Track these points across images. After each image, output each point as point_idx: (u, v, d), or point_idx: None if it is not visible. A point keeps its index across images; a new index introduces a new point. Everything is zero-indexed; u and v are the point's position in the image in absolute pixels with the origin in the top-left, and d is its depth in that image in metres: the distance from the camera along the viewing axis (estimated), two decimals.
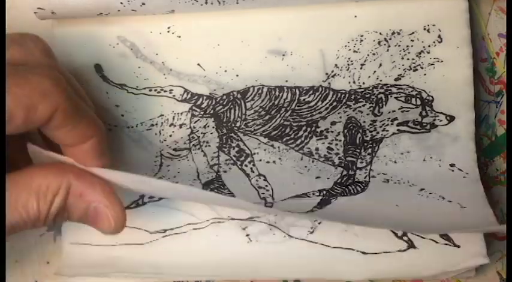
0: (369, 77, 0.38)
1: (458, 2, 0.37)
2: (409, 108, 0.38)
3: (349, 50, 0.38)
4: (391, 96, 0.38)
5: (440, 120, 0.38)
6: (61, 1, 0.35)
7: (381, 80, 0.38)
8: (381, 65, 0.38)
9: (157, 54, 0.38)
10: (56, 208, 0.30)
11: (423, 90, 0.38)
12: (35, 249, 0.39)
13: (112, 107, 0.38)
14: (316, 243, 0.37)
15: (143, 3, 0.35)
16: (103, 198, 0.31)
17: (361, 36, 0.38)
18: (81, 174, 0.31)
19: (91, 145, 0.31)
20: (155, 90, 0.38)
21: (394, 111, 0.38)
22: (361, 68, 0.38)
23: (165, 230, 0.38)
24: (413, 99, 0.38)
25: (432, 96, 0.38)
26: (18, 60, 0.30)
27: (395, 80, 0.38)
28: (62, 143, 0.31)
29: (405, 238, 0.37)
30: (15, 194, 0.29)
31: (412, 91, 0.38)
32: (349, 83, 0.38)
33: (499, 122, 0.39)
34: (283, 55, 0.38)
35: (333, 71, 0.38)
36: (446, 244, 0.37)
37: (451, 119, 0.38)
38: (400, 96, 0.38)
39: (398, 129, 0.38)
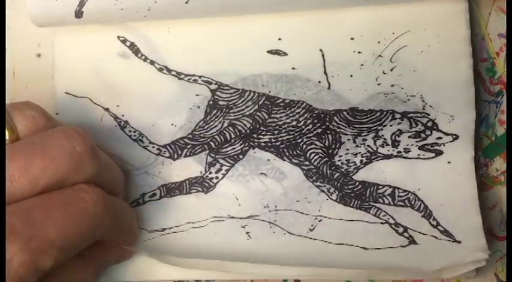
0: (369, 77, 0.38)
1: (458, 2, 0.37)
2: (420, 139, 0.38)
3: (349, 50, 0.38)
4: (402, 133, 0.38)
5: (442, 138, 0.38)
6: (61, 20, 0.36)
7: (379, 84, 0.38)
8: (380, 64, 0.38)
9: (157, 54, 0.38)
10: None
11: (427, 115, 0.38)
12: None
13: (113, 106, 0.38)
14: (316, 240, 0.38)
15: (145, 16, 0.36)
16: (119, 254, 0.36)
17: (361, 36, 0.38)
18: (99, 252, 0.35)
19: (126, 238, 0.36)
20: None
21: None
22: (360, 69, 0.38)
23: (163, 229, 0.38)
24: (426, 132, 0.38)
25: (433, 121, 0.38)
26: (27, 133, 0.30)
27: (392, 86, 0.38)
28: None
29: (406, 234, 0.37)
30: None
31: (425, 122, 0.38)
32: (349, 83, 0.38)
33: (499, 122, 0.39)
34: (283, 55, 0.38)
35: (333, 72, 0.38)
36: (448, 240, 0.37)
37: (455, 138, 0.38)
38: (412, 133, 0.38)
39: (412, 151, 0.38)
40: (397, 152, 0.38)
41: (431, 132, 0.38)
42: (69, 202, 0.28)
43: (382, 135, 0.38)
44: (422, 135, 0.38)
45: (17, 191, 0.28)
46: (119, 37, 0.38)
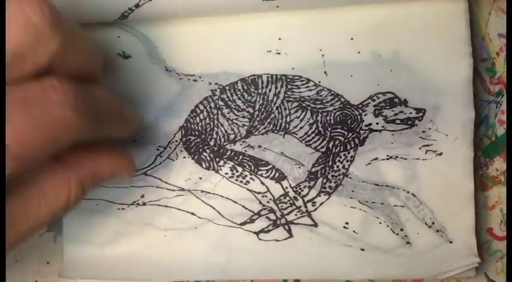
0: (369, 77, 0.38)
1: (458, 2, 0.37)
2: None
3: (349, 50, 0.38)
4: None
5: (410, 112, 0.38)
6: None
7: (379, 84, 0.38)
8: (380, 64, 0.38)
9: (157, 54, 0.38)
10: (74, 202, 0.29)
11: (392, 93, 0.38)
12: (35, 249, 0.39)
13: None
14: (316, 240, 0.38)
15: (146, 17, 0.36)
16: (116, 164, 0.31)
17: (361, 36, 0.38)
18: (84, 161, 0.30)
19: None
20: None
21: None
22: (360, 69, 0.38)
23: (165, 230, 0.38)
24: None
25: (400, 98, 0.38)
26: None
27: (392, 86, 0.38)
28: None
29: (401, 234, 0.37)
30: (24, 208, 0.27)
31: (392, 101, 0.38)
32: (349, 83, 0.38)
33: (499, 122, 0.39)
34: (283, 55, 0.38)
35: (333, 72, 0.38)
36: (441, 240, 0.37)
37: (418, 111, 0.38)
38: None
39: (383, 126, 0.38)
40: (395, 156, 0.38)
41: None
42: (33, 102, 0.24)
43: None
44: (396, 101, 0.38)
45: None
46: (119, 37, 0.38)
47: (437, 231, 0.37)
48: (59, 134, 0.25)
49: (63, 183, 0.28)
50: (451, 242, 0.37)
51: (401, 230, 0.38)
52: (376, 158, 0.38)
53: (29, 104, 0.24)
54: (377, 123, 0.38)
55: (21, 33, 0.24)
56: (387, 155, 0.38)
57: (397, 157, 0.38)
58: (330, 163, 0.38)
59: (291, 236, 0.38)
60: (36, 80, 0.25)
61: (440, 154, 0.38)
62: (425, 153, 0.38)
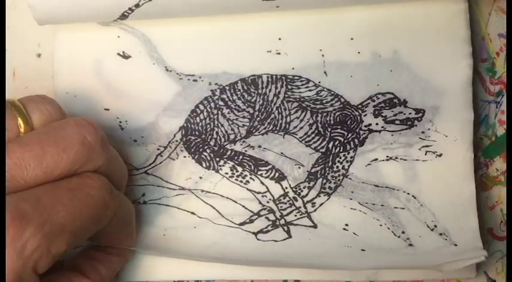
0: (369, 77, 0.38)
1: (458, 2, 0.37)
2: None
3: (349, 50, 0.38)
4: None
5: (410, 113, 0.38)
6: (63, 17, 0.36)
7: (378, 84, 0.38)
8: (380, 64, 0.38)
9: (157, 54, 0.38)
10: None
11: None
12: None
13: (113, 106, 0.38)
14: (316, 240, 0.38)
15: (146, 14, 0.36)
16: (119, 256, 0.36)
17: (361, 36, 0.38)
18: (99, 261, 0.34)
19: (125, 233, 0.35)
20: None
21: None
22: (360, 69, 0.38)
23: (165, 229, 0.38)
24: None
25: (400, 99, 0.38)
26: (41, 126, 0.31)
27: (392, 86, 0.38)
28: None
29: (403, 236, 0.37)
30: None
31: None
32: (349, 83, 0.38)
33: (499, 122, 0.39)
34: (283, 55, 0.38)
35: (333, 72, 0.38)
36: (444, 242, 0.37)
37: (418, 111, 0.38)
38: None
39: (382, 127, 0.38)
40: (395, 157, 0.38)
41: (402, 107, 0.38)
42: (76, 187, 0.29)
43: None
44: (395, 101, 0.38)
45: (31, 180, 0.28)
46: (119, 37, 0.38)
47: (440, 234, 0.37)
48: (99, 211, 0.30)
49: None
50: (455, 245, 0.37)
51: (403, 232, 0.37)
52: (376, 159, 0.38)
53: (73, 189, 0.29)
54: (377, 124, 0.38)
55: (78, 149, 0.29)
56: (387, 156, 0.38)
57: (396, 158, 0.38)
58: (330, 164, 0.38)
59: (289, 236, 0.38)
60: (74, 175, 0.30)
61: (440, 155, 0.38)
62: (425, 154, 0.38)
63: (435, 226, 0.37)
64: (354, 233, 0.37)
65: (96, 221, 0.30)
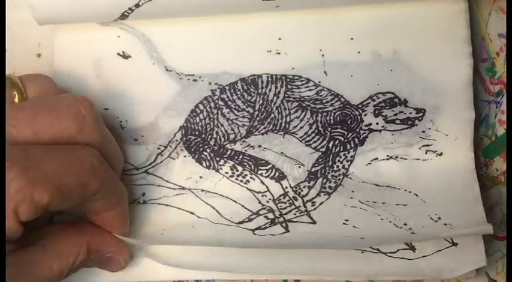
0: (369, 77, 0.38)
1: (458, 2, 0.38)
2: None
3: (349, 50, 0.38)
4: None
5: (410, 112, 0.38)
6: (63, 17, 0.36)
7: (379, 84, 0.38)
8: (380, 64, 0.38)
9: (157, 54, 0.38)
10: (76, 265, 0.33)
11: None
12: None
13: (113, 106, 0.38)
14: (316, 240, 0.38)
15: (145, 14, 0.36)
16: (116, 249, 0.35)
17: (361, 36, 0.38)
18: (95, 232, 0.34)
19: (116, 214, 0.34)
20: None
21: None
22: (360, 69, 0.38)
23: (163, 229, 0.38)
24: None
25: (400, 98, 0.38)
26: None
27: (392, 86, 0.38)
28: (90, 210, 0.33)
29: (406, 227, 0.37)
30: (41, 259, 0.31)
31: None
32: (349, 83, 0.38)
33: (499, 122, 0.39)
34: (283, 55, 0.38)
35: (333, 72, 0.38)
36: (446, 243, 0.37)
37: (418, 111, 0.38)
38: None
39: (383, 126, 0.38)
40: (395, 156, 0.38)
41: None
42: (66, 149, 0.30)
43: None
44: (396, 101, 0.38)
45: (21, 137, 0.29)
46: (119, 37, 0.38)
47: (445, 224, 0.37)
48: (87, 175, 0.30)
49: (76, 245, 0.33)
50: (456, 245, 0.37)
51: (405, 224, 0.37)
52: (376, 158, 0.38)
53: (63, 150, 0.30)
54: (377, 123, 0.38)
55: (71, 119, 0.30)
56: (387, 155, 0.38)
57: (397, 157, 0.38)
58: (330, 163, 0.38)
59: (287, 231, 0.37)
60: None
61: (441, 154, 0.38)
62: (426, 153, 0.38)
63: (439, 218, 0.37)
64: (354, 226, 0.37)
65: (82, 184, 0.30)
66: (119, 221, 0.35)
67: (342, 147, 0.38)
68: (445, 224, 0.36)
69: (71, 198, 0.29)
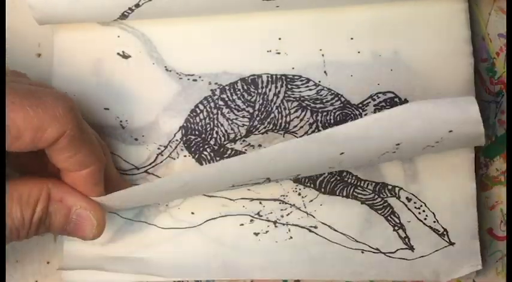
0: (369, 77, 0.38)
1: (458, 2, 0.38)
2: None
3: (349, 50, 0.38)
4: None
5: None
6: (63, 17, 0.36)
7: (379, 84, 0.38)
8: (380, 64, 0.38)
9: (157, 54, 0.38)
10: (39, 214, 0.31)
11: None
12: (35, 249, 0.39)
13: (113, 106, 0.38)
14: (315, 241, 0.38)
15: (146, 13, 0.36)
16: (83, 202, 0.33)
17: (361, 36, 0.38)
18: (59, 182, 0.33)
19: (89, 173, 0.32)
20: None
21: None
22: (360, 69, 0.38)
23: (165, 229, 0.38)
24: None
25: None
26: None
27: (392, 85, 0.38)
28: (61, 166, 0.32)
29: (402, 235, 0.37)
30: None
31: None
32: (349, 83, 0.38)
33: (499, 122, 0.39)
34: (283, 55, 0.38)
35: (333, 72, 0.38)
36: (443, 242, 0.37)
37: None
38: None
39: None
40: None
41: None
42: (40, 93, 0.30)
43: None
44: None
45: None
46: (119, 37, 0.38)
47: (439, 234, 0.37)
48: (46, 122, 0.29)
49: (36, 187, 0.31)
50: (453, 245, 0.37)
51: (403, 231, 0.37)
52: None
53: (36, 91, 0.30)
54: None
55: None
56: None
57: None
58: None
59: (290, 237, 0.38)
60: None
61: (441, 154, 0.38)
62: (426, 153, 0.38)
63: (434, 225, 0.37)
64: (354, 234, 0.37)
65: (38, 127, 0.29)
66: (90, 182, 0.33)
67: None
68: (439, 233, 0.37)
69: (22, 137, 0.29)
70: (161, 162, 0.38)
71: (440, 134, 0.32)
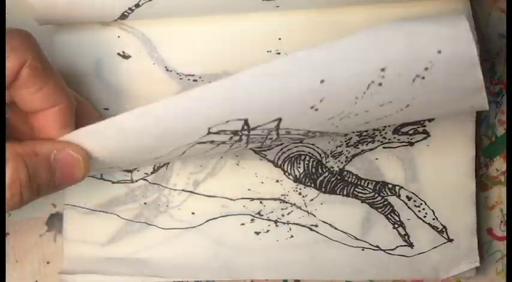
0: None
1: (458, 2, 0.38)
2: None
3: None
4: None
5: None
6: (63, 17, 0.36)
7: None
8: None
9: (157, 54, 0.38)
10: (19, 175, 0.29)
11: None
12: (35, 249, 0.39)
13: (113, 106, 0.38)
14: (316, 240, 0.38)
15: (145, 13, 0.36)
16: (57, 144, 0.31)
17: None
18: (27, 140, 0.31)
19: (57, 112, 0.31)
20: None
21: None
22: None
23: (165, 229, 0.38)
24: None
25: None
26: None
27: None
28: (28, 107, 0.31)
29: (402, 233, 0.37)
30: None
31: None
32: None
33: (499, 122, 0.39)
34: (283, 55, 0.38)
35: None
36: (442, 239, 0.38)
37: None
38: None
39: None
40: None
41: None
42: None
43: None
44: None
45: None
46: (119, 37, 0.38)
47: (438, 231, 0.37)
48: (7, 53, 0.29)
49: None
50: (452, 242, 0.38)
51: (403, 229, 0.38)
52: (377, 158, 0.38)
53: None
54: None
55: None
56: (387, 155, 0.38)
57: (397, 157, 0.38)
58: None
59: (291, 236, 0.38)
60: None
61: (441, 153, 0.38)
62: (426, 152, 0.38)
63: (434, 223, 0.37)
64: (354, 231, 0.37)
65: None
66: (60, 123, 0.32)
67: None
68: (438, 231, 0.38)
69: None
70: (161, 162, 0.38)
71: (429, 56, 0.29)
